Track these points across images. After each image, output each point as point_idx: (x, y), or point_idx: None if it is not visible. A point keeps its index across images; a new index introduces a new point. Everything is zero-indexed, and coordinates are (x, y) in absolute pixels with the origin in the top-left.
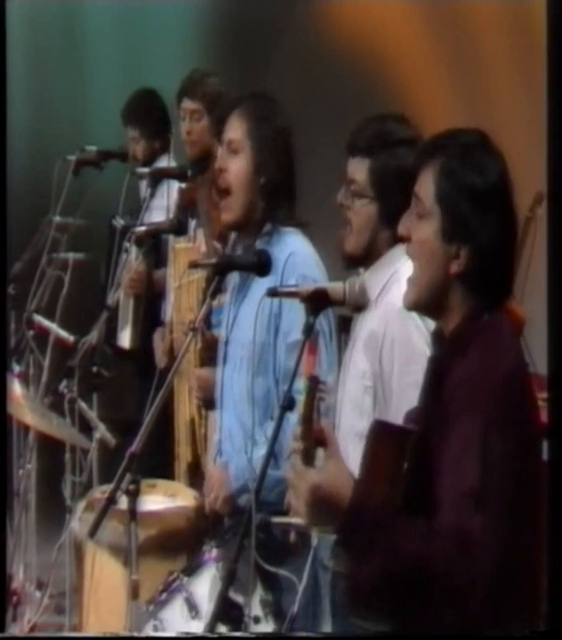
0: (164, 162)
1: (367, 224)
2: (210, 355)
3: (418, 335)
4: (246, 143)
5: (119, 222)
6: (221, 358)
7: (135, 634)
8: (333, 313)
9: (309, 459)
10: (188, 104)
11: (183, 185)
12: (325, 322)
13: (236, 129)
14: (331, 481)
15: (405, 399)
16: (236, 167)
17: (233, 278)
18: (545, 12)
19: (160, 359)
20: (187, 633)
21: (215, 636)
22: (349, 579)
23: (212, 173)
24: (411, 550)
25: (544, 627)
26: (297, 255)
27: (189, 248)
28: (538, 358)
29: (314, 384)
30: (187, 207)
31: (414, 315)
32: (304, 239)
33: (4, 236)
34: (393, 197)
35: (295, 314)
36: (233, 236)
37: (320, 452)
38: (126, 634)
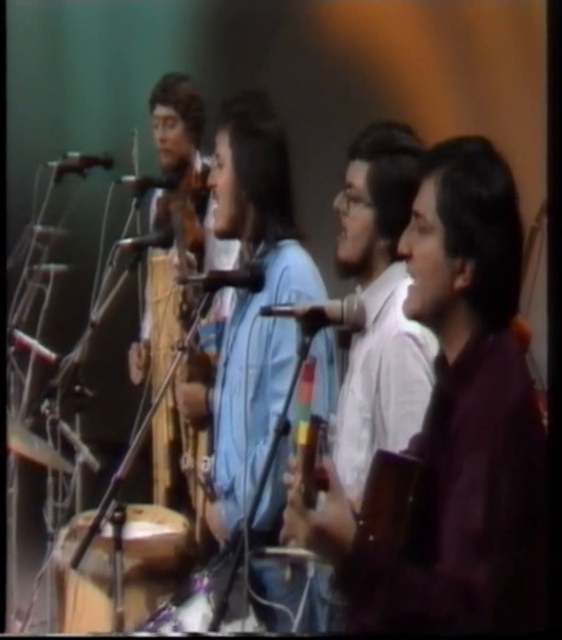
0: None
1: (363, 231)
2: (198, 371)
3: (414, 362)
4: (228, 156)
5: None
6: (220, 379)
7: (133, 634)
8: (333, 333)
9: (310, 502)
10: (160, 111)
11: (161, 195)
12: (322, 347)
13: (221, 142)
14: (333, 524)
15: (401, 430)
16: (221, 181)
17: (232, 297)
18: (545, 12)
19: (135, 375)
20: (187, 633)
21: (215, 635)
22: (347, 617)
23: (186, 183)
24: (411, 600)
25: (544, 627)
26: (292, 269)
27: (166, 261)
28: (545, 374)
29: (316, 425)
30: (163, 220)
31: (411, 342)
32: (301, 252)
33: (4, 245)
34: (391, 206)
35: (284, 331)
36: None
37: (322, 496)
38: (123, 634)
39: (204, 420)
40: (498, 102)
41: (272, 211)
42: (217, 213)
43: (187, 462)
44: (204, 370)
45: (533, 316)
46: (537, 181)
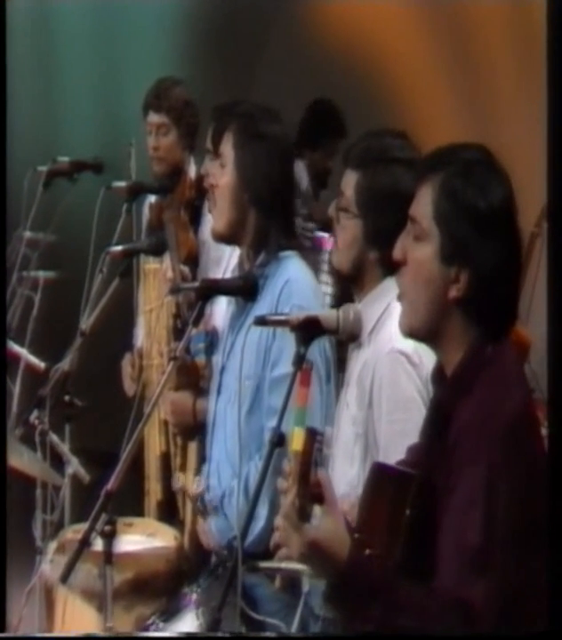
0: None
1: (352, 242)
2: (187, 380)
3: (407, 380)
4: (231, 157)
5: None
6: (216, 387)
7: (133, 634)
8: (333, 350)
9: (305, 515)
10: (153, 118)
11: (153, 201)
12: (320, 358)
13: (225, 142)
14: (327, 539)
15: (392, 447)
16: (222, 182)
17: (229, 303)
18: (545, 13)
19: (129, 387)
20: (187, 633)
21: (215, 635)
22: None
23: (180, 191)
24: (407, 615)
25: (544, 627)
26: (293, 283)
27: (159, 269)
28: (545, 384)
29: (312, 437)
30: (155, 227)
31: (404, 359)
32: (303, 265)
33: (4, 249)
34: (380, 217)
35: (284, 344)
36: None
37: (317, 509)
38: (123, 634)
39: (192, 429)
40: (497, 104)
41: (274, 217)
42: (216, 215)
43: (179, 481)
44: (192, 379)
45: (533, 324)
46: (537, 186)
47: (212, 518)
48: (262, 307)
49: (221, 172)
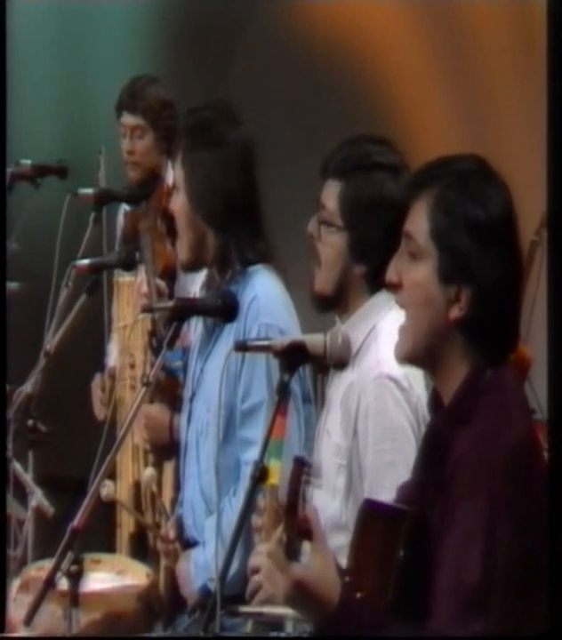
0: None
1: (336, 258)
2: (162, 397)
3: (395, 407)
4: (181, 177)
5: None
6: (186, 415)
7: (134, 634)
8: (311, 374)
9: (293, 553)
10: (128, 119)
11: (129, 209)
12: (296, 384)
13: (177, 164)
14: (316, 580)
15: (379, 479)
16: (176, 206)
17: (198, 328)
18: (545, 15)
19: (99, 411)
20: (184, 633)
21: (214, 636)
22: None
23: (156, 199)
24: None
25: (545, 628)
26: (261, 300)
27: (133, 282)
28: (545, 403)
29: (299, 467)
30: (130, 237)
31: (392, 385)
32: (272, 278)
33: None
34: (365, 228)
35: (253, 370)
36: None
37: (306, 546)
38: (124, 634)
39: (167, 448)
40: (497, 110)
41: (233, 232)
42: (179, 245)
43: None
44: (168, 396)
45: (533, 341)
46: (537, 193)
47: (193, 560)
48: (230, 329)
49: (176, 196)
